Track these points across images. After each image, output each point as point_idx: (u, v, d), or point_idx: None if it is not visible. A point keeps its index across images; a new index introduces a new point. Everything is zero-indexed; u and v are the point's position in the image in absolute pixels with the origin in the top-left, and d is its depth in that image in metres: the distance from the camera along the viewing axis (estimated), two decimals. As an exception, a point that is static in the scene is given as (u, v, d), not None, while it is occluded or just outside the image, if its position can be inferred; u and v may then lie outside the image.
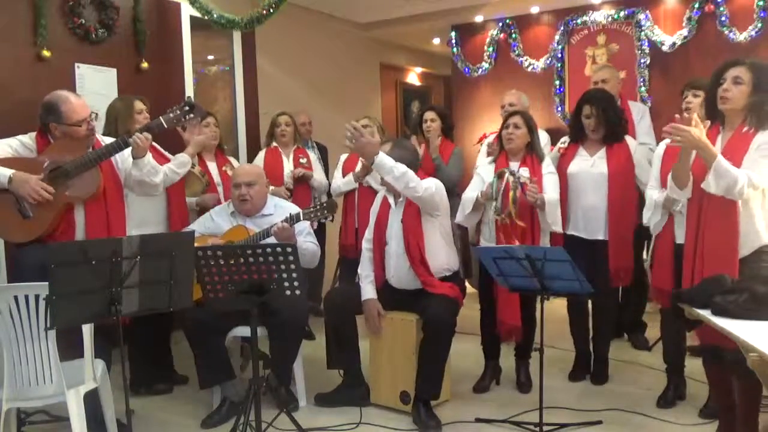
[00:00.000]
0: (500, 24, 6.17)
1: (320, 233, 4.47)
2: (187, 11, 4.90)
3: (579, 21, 5.80)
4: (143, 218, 3.51)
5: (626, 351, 4.27)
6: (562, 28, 5.85)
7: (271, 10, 4.63)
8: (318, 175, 4.78)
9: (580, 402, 3.46)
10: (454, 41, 6.48)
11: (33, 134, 3.03)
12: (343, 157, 4.74)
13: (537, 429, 2.97)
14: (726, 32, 5.10)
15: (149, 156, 3.14)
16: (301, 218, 3.41)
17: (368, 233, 3.56)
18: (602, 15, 5.69)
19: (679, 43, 5.32)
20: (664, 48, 5.38)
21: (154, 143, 3.20)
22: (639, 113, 4.38)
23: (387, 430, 3.21)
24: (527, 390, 3.63)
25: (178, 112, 3.08)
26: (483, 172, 3.64)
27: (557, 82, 5.92)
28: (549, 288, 2.85)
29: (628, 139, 3.66)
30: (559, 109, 5.90)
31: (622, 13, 5.58)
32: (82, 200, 2.98)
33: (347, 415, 3.34)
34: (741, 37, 5.04)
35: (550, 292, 2.88)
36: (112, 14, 4.36)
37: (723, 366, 2.58)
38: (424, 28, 6.67)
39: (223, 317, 3.30)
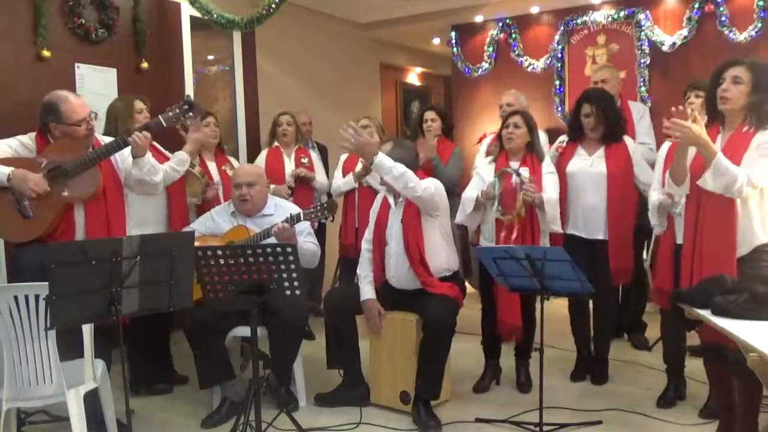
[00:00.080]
0: (500, 24, 6.17)
1: (320, 233, 4.47)
2: (187, 11, 4.91)
3: (579, 21, 5.80)
4: (143, 218, 3.52)
5: (626, 351, 4.27)
6: (562, 28, 5.85)
7: (271, 10, 4.63)
8: (319, 176, 4.78)
9: (580, 402, 3.46)
10: (454, 41, 6.48)
11: (32, 134, 3.03)
12: (343, 157, 4.74)
13: (537, 429, 2.97)
14: (726, 32, 5.10)
15: (149, 155, 3.15)
16: (302, 218, 3.41)
17: (368, 234, 3.56)
18: (602, 15, 5.69)
19: (679, 43, 5.32)
20: (664, 48, 5.38)
21: (153, 142, 3.20)
22: (639, 113, 4.38)
23: (387, 430, 3.21)
24: (527, 390, 3.63)
25: (177, 110, 3.08)
26: (483, 172, 3.64)
27: (557, 82, 5.92)
28: (549, 288, 2.85)
29: (627, 139, 3.66)
30: (559, 109, 5.90)
31: (622, 13, 5.58)
32: (81, 200, 2.98)
33: (347, 415, 3.34)
34: (741, 37, 5.04)
35: (550, 292, 2.88)
36: (112, 14, 4.37)
37: (724, 365, 2.58)
38: (424, 28, 6.67)
39: (223, 317, 3.30)
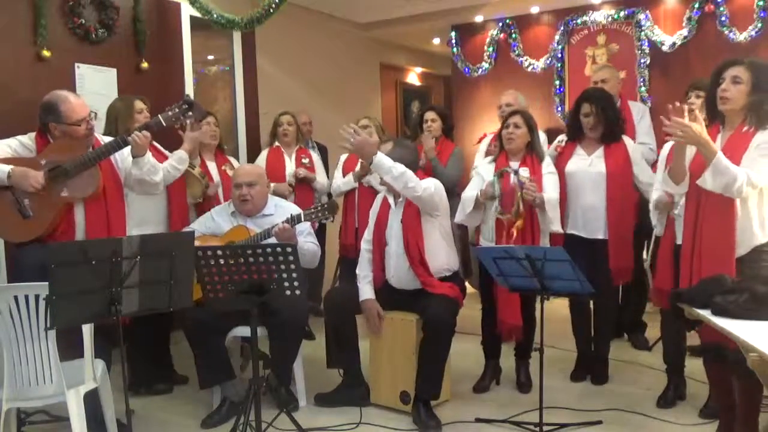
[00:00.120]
0: (500, 24, 6.17)
1: (320, 233, 4.46)
2: (187, 11, 4.91)
3: (579, 21, 5.80)
4: (143, 218, 3.52)
5: (626, 351, 4.27)
6: (562, 28, 5.85)
7: (271, 10, 4.63)
8: (320, 176, 4.78)
9: (580, 402, 3.46)
10: (454, 41, 6.48)
11: (32, 134, 3.03)
12: (343, 157, 4.74)
13: (537, 429, 2.97)
14: (726, 32, 5.10)
15: (149, 154, 3.15)
16: (302, 219, 3.41)
17: (367, 234, 3.56)
18: (602, 15, 5.69)
19: (679, 43, 5.33)
20: (664, 48, 5.38)
21: (153, 142, 3.20)
22: (639, 113, 4.38)
23: (387, 430, 3.21)
24: (527, 390, 3.63)
25: (177, 110, 3.09)
26: (483, 172, 3.64)
27: (557, 82, 5.92)
28: (549, 288, 2.85)
29: (626, 138, 3.66)
30: (559, 109, 5.90)
31: (622, 13, 5.59)
32: (81, 200, 2.98)
33: (347, 415, 3.34)
34: (741, 37, 5.05)
35: (550, 292, 2.88)
36: (112, 14, 4.37)
37: (724, 365, 2.58)
38: (424, 28, 6.67)
39: (223, 317, 3.30)
